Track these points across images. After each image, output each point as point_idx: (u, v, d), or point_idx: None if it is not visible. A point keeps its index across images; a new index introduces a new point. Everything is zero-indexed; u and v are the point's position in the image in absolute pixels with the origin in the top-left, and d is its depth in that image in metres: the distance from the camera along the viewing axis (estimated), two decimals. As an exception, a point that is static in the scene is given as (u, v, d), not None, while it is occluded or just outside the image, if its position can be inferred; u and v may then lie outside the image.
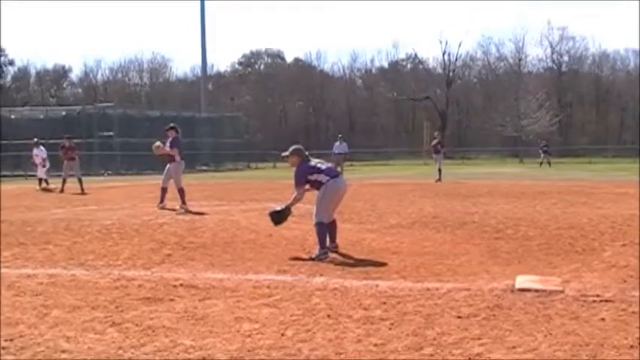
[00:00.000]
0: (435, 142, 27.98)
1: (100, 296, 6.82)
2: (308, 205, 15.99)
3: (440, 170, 26.08)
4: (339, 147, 31.48)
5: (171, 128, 15.98)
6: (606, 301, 6.38)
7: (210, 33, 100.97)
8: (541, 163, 48.67)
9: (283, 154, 9.92)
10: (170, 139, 15.88)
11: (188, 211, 14.59)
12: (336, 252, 9.32)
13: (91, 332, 5.55)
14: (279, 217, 9.78)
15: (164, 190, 15.73)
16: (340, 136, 33.28)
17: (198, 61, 68.24)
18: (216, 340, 5.32)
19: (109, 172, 41.48)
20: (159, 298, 6.74)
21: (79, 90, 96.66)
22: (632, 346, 5.06)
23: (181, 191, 15.48)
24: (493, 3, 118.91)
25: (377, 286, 7.17)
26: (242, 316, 6.01)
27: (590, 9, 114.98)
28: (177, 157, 15.70)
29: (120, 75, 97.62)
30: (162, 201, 15.52)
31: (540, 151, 51.00)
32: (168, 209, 15.18)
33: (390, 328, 5.58)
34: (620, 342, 5.14)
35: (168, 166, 15.91)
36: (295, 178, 9.65)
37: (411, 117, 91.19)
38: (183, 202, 15.18)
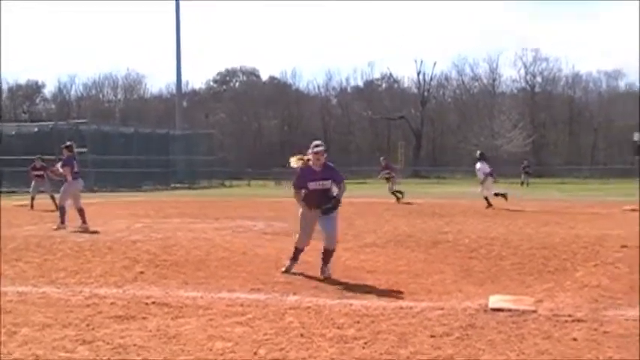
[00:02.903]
0: (383, 165, 27.60)
1: (71, 314, 6.74)
2: (281, 224, 16.02)
3: (395, 192, 25.80)
4: None
5: (66, 147, 15.64)
6: (578, 320, 6.41)
7: (185, 50, 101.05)
8: (522, 182, 49.00)
9: (317, 149, 9.13)
10: (64, 157, 15.57)
11: (87, 231, 14.29)
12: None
13: (62, 351, 5.48)
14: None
15: (62, 210, 15.36)
16: None
17: (173, 78, 68.18)
18: (188, 358, 5.28)
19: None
20: (131, 316, 6.68)
21: (52, 106, 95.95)
22: (604, 366, 5.09)
23: (62, 210, 15.23)
24: (468, 24, 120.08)
25: (351, 304, 7.15)
26: (215, 334, 5.97)
27: (564, 31, 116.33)
28: (69, 177, 15.40)
29: (94, 91, 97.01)
30: (61, 221, 15.11)
31: (522, 172, 51.35)
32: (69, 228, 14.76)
33: (363, 347, 5.56)
34: (593, 361, 5.17)
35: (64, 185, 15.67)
36: (339, 174, 9.47)
37: (386, 136, 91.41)
38: (62, 222, 14.93)
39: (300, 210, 9.38)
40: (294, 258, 9.50)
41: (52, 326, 6.26)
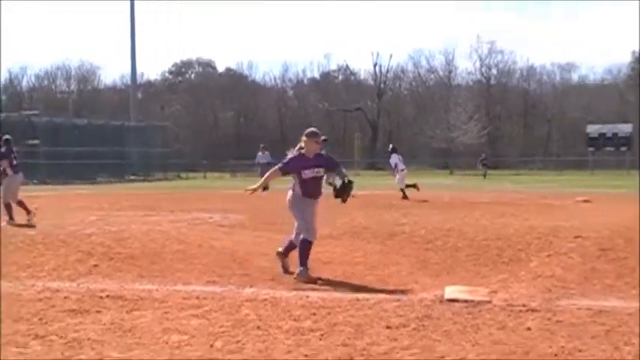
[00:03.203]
0: None
1: (23, 308, 6.64)
2: (237, 216, 15.97)
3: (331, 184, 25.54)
4: (262, 157, 31.22)
5: (5, 140, 15.37)
6: (532, 310, 6.49)
7: (140, 41, 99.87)
8: (484, 175, 49.44)
9: (322, 137, 9.17)
10: (3, 151, 15.30)
11: (14, 226, 14.03)
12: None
13: (13, 346, 5.39)
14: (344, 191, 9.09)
15: (8, 206, 15.10)
16: (262, 146, 33.03)
17: (128, 69, 67.36)
18: (143, 352, 5.23)
19: (35, 181, 40.56)
20: (85, 309, 6.60)
21: (3, 97, 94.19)
22: (556, 355, 5.16)
23: (8, 206, 14.97)
24: (424, 16, 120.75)
25: (307, 296, 7.15)
26: (170, 327, 5.93)
27: (519, 24, 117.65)
28: (9, 171, 15.19)
29: (46, 82, 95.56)
30: (10, 217, 14.85)
31: (479, 164, 51.80)
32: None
33: (320, 339, 5.56)
34: (545, 350, 5.24)
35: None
36: (334, 160, 9.42)
37: (343, 128, 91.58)
38: (10, 218, 14.70)
39: (291, 201, 8.76)
40: (287, 254, 8.88)
41: (2, 321, 6.15)
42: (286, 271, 8.69)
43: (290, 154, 8.74)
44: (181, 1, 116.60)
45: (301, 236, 8.52)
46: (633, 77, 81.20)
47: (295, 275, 8.30)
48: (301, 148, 8.70)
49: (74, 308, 6.65)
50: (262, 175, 30.70)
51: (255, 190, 8.90)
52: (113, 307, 6.73)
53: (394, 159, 24.28)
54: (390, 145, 26.09)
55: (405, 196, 22.37)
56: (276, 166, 8.86)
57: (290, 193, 8.77)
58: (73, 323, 6.08)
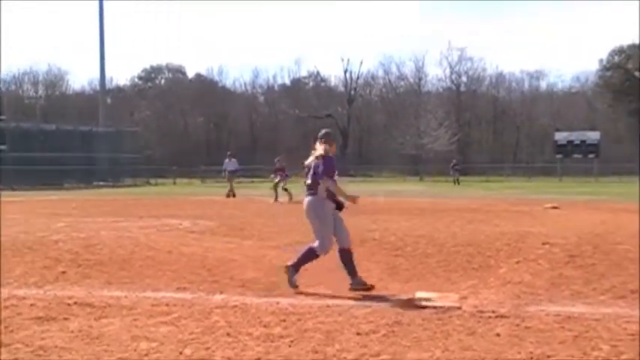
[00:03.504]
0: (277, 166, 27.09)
1: (-11, 316, 6.55)
2: (207, 222, 15.89)
3: (284, 190, 25.61)
4: (229, 164, 30.98)
5: None
6: (501, 316, 6.53)
7: (109, 45, 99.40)
8: (454, 181, 49.76)
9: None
10: None
11: None
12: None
13: (-22, 354, 5.31)
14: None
15: None
16: (229, 153, 32.84)
17: (97, 74, 67.02)
18: (111, 359, 5.18)
19: (1, 187, 40.12)
20: (52, 317, 6.52)
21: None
22: (525, 360, 5.19)
23: None
24: (394, 23, 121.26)
25: (277, 303, 7.13)
26: (139, 334, 5.87)
27: (488, 31, 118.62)
28: None
29: (13, 87, 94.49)
30: None
31: (451, 170, 52.10)
32: None
33: (290, 346, 5.55)
34: (514, 356, 5.27)
35: None
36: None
37: (313, 134, 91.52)
38: None
39: (315, 208, 8.09)
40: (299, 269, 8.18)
41: (-32, 329, 6.07)
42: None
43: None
44: (150, 5, 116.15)
45: (313, 245, 8.03)
46: (600, 85, 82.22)
47: (291, 282, 7.94)
48: (327, 151, 8.24)
49: (41, 316, 6.57)
50: (230, 181, 30.62)
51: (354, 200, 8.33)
52: (81, 314, 6.66)
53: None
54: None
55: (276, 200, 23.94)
56: (329, 176, 8.11)
57: (311, 199, 8.15)
58: (39, 331, 6.00)
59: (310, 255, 8.06)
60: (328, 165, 8.06)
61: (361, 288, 7.82)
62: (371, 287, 7.86)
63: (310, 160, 8.26)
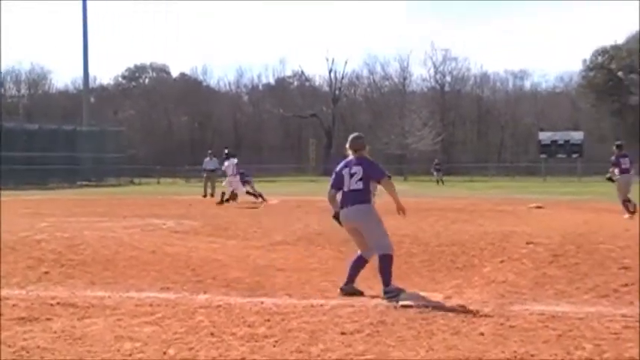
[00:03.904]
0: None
1: (-30, 317, 6.50)
2: (191, 222, 15.85)
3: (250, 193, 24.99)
4: (209, 163, 30.53)
5: None
6: (485, 315, 6.55)
7: (92, 44, 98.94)
8: (437, 181, 49.77)
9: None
10: None
11: None
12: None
13: (-41, 355, 5.27)
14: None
15: None
16: (210, 152, 32.53)
17: (80, 73, 66.73)
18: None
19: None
20: (34, 317, 6.48)
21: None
22: (508, 359, 5.20)
23: None
24: (379, 22, 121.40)
25: (262, 302, 7.13)
26: (123, 334, 5.85)
27: (472, 31, 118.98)
28: None
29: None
30: None
31: (433, 170, 52.12)
32: None
33: (274, 345, 5.54)
34: (498, 355, 5.28)
35: None
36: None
37: (298, 134, 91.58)
38: None
39: (374, 214, 7.87)
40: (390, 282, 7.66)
41: (-51, 329, 6.02)
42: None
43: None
44: (134, 5, 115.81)
45: (383, 252, 7.65)
46: (584, 85, 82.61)
47: (395, 302, 7.20)
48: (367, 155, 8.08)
49: (23, 316, 6.53)
50: (207, 181, 30.09)
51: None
52: (64, 314, 6.62)
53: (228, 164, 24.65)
54: (226, 150, 26.46)
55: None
56: (387, 176, 8.09)
57: (369, 206, 7.90)
58: (22, 331, 5.97)
59: (389, 262, 7.63)
60: (382, 168, 8.08)
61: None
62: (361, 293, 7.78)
63: (341, 167, 8.08)
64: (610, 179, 18.52)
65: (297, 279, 8.72)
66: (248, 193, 24.80)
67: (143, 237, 12.58)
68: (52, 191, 39.10)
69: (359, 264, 7.91)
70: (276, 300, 7.32)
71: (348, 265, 8.00)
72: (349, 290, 7.77)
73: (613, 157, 18.42)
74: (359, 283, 8.39)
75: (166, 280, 8.51)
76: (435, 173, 51.50)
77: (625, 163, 18.07)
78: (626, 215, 17.15)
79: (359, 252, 7.95)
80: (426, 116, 74.07)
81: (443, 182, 49.30)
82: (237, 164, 25.14)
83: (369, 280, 8.67)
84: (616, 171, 18.16)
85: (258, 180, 29.64)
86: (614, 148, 18.71)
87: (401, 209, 8.00)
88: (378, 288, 8.07)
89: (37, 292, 7.81)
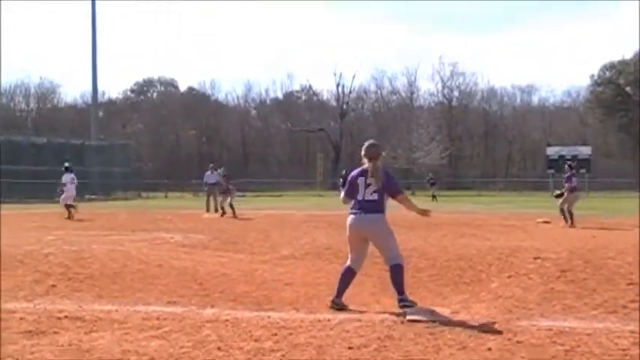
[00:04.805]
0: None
1: (-22, 330, 6.50)
2: (198, 236, 15.87)
3: (231, 206, 25.24)
4: (210, 176, 30.20)
5: None
6: (493, 331, 6.51)
7: (101, 58, 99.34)
8: (432, 196, 49.11)
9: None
10: None
11: None
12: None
13: (-33, 368, 5.27)
14: None
15: None
16: (212, 165, 32.36)
17: (89, 87, 66.98)
18: (101, 374, 5.15)
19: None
20: (42, 331, 6.48)
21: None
22: (517, 375, 5.18)
23: None
24: (387, 37, 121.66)
25: (269, 317, 7.11)
26: (130, 349, 5.84)
27: (480, 46, 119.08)
28: None
29: (5, 100, 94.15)
30: None
31: (428, 184, 51.77)
32: None
33: (281, 360, 5.53)
34: (507, 371, 5.25)
35: None
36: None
37: (305, 148, 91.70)
38: None
39: (387, 225, 7.93)
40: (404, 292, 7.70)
41: (-43, 343, 6.02)
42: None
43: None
44: (143, 19, 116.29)
45: (394, 262, 7.70)
46: (592, 100, 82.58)
47: (406, 316, 7.12)
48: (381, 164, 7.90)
49: (30, 330, 6.52)
50: (209, 194, 29.85)
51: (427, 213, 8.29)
52: (71, 328, 6.62)
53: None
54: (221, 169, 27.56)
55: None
56: (400, 188, 8.07)
57: (382, 217, 7.90)
58: (29, 345, 5.96)
59: (400, 271, 7.68)
60: (395, 180, 7.99)
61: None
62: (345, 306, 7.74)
63: (356, 175, 7.94)
64: (559, 195, 20.89)
65: (304, 293, 8.70)
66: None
67: (150, 251, 12.59)
68: (60, 205, 39.06)
69: (348, 276, 7.92)
70: (284, 314, 7.30)
71: (337, 278, 8.02)
72: (339, 305, 7.72)
73: (566, 176, 20.95)
74: (367, 297, 8.39)
75: (173, 294, 8.50)
76: (429, 187, 50.67)
77: (575, 181, 20.80)
78: (562, 224, 19.87)
79: (348, 263, 7.98)
80: (434, 131, 74.13)
81: (436, 198, 46.93)
82: (225, 175, 25.80)
83: (375, 294, 8.66)
84: (566, 186, 20.56)
85: (267, 194, 29.59)
86: (566, 167, 21.59)
87: (423, 213, 8.21)
88: (386, 302, 8.06)
89: (44, 305, 7.81)
